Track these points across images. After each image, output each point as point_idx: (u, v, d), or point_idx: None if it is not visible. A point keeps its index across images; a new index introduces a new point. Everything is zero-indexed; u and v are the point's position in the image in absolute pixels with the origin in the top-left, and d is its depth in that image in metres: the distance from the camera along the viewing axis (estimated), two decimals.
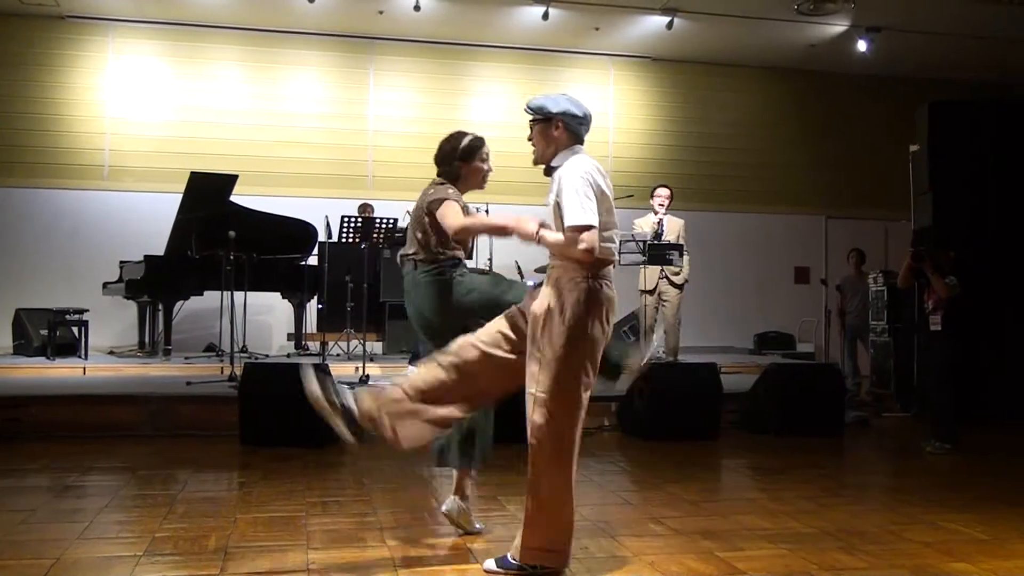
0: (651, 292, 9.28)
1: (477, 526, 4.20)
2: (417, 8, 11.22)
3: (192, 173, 9.49)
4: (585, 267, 3.46)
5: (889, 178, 12.10)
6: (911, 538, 4.26)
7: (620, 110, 13.49)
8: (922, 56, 12.88)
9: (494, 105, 13.03)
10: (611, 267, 3.60)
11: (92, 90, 11.96)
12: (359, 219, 9.05)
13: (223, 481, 5.64)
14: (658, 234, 9.27)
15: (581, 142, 3.71)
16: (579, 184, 3.47)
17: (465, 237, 4.31)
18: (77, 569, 3.61)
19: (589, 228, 3.38)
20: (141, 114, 12.00)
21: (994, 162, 8.96)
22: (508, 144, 12.91)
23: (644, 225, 9.40)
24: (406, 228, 9.15)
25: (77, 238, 11.54)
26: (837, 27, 12.13)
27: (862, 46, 12.28)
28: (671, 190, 9.55)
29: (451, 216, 4.02)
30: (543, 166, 3.75)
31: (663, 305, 9.31)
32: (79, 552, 3.81)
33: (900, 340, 9.61)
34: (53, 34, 11.83)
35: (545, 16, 11.55)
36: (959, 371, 7.20)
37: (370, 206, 10.80)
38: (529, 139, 3.76)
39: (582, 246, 3.37)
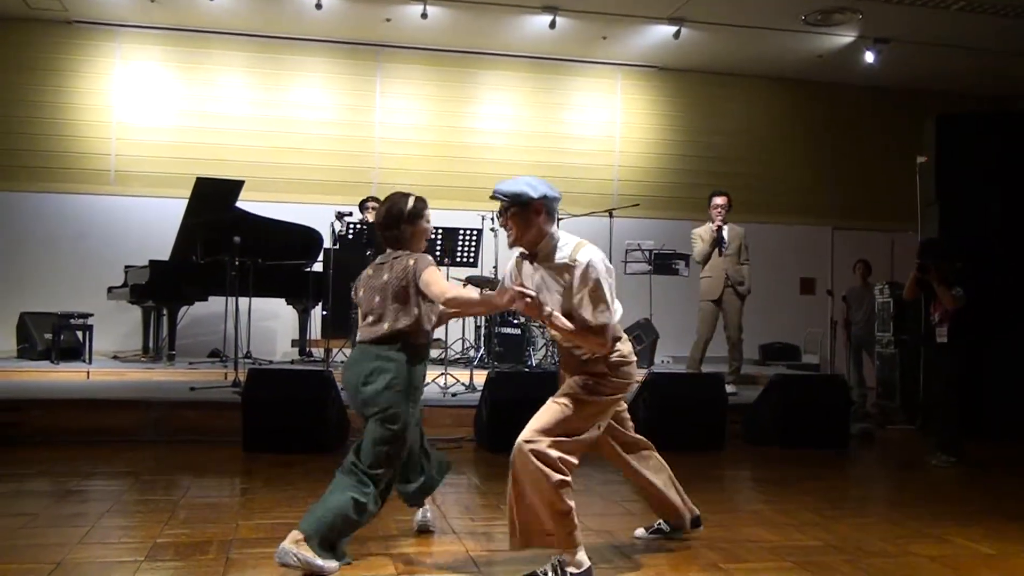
0: (716, 302, 8.92)
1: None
2: (424, 16, 11.23)
3: (198, 179, 9.50)
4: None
5: (896, 189, 12.07)
6: (916, 552, 4.23)
7: (627, 119, 13.49)
8: (929, 68, 12.88)
9: (500, 114, 13.06)
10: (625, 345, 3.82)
11: (99, 95, 11.98)
12: (365, 223, 9.05)
13: (225, 487, 5.63)
14: (717, 242, 8.90)
15: (555, 221, 3.85)
16: (605, 280, 3.66)
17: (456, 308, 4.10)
18: (78, 574, 3.60)
19: (607, 327, 3.63)
20: (148, 119, 12.02)
21: (1000, 174, 8.93)
22: (514, 153, 13.03)
23: (704, 234, 9.03)
24: None
25: (82, 243, 11.56)
26: (845, 38, 12.12)
27: (869, 57, 12.26)
28: (727, 196, 9.09)
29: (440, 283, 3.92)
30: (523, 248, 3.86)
31: (724, 315, 8.95)
32: (80, 557, 3.80)
33: (906, 352, 9.58)
34: (60, 39, 11.86)
35: (552, 25, 11.55)
36: (965, 383, 7.17)
37: (374, 198, 10.74)
38: (503, 225, 3.82)
39: (603, 348, 3.69)
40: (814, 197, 13.82)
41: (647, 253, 9.74)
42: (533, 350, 10.31)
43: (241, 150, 11.95)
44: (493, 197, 3.82)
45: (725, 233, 8.94)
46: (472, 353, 10.23)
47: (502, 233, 10.25)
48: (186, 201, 9.48)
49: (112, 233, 11.55)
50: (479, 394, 7.27)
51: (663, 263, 9.59)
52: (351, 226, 9.06)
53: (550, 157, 12.98)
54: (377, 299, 3.94)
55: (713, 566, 3.91)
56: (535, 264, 3.81)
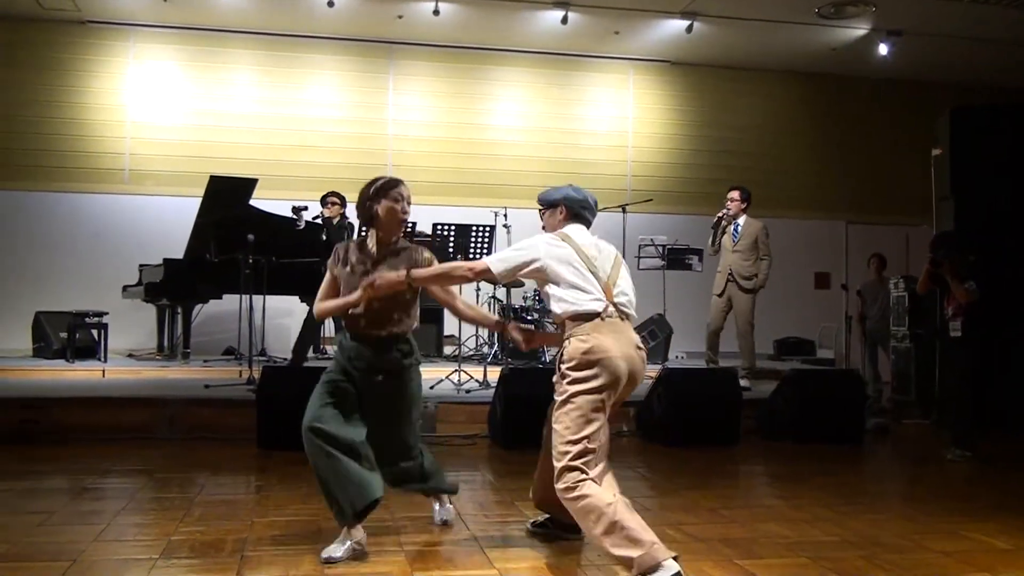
0: (721, 295, 9.08)
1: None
2: (436, 13, 11.24)
3: (212, 177, 9.51)
4: (564, 327, 3.82)
5: (910, 183, 12.03)
6: (931, 547, 4.21)
7: (639, 114, 13.47)
8: (943, 60, 12.81)
9: (513, 110, 13.05)
10: (589, 322, 3.76)
11: (112, 95, 12.03)
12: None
13: (240, 484, 5.65)
14: (717, 233, 9.09)
15: (582, 221, 4.14)
16: (521, 247, 3.93)
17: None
18: (94, 571, 3.62)
19: (487, 269, 3.87)
20: (161, 118, 12.07)
21: (1016, 167, 8.87)
22: (527, 149, 13.04)
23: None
24: (424, 232, 9.13)
25: (97, 242, 11.62)
26: (858, 31, 12.07)
27: (883, 50, 12.21)
28: (741, 191, 9.21)
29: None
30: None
31: (731, 307, 9.07)
32: (96, 554, 3.82)
33: (921, 346, 9.53)
34: (73, 39, 11.91)
35: (564, 20, 11.54)
36: (979, 377, 7.12)
37: (336, 193, 10.74)
38: (544, 228, 4.18)
39: (460, 271, 3.99)
40: (828, 191, 13.77)
41: (660, 248, 9.73)
42: (547, 346, 10.31)
43: (254, 148, 11.98)
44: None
45: (740, 227, 9.02)
46: (486, 350, 10.24)
47: (515, 229, 10.30)
48: (200, 199, 9.50)
49: (126, 232, 11.60)
50: (493, 391, 7.27)
51: (676, 258, 9.58)
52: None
53: (562, 153, 12.97)
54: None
55: (727, 561, 3.90)
56: None
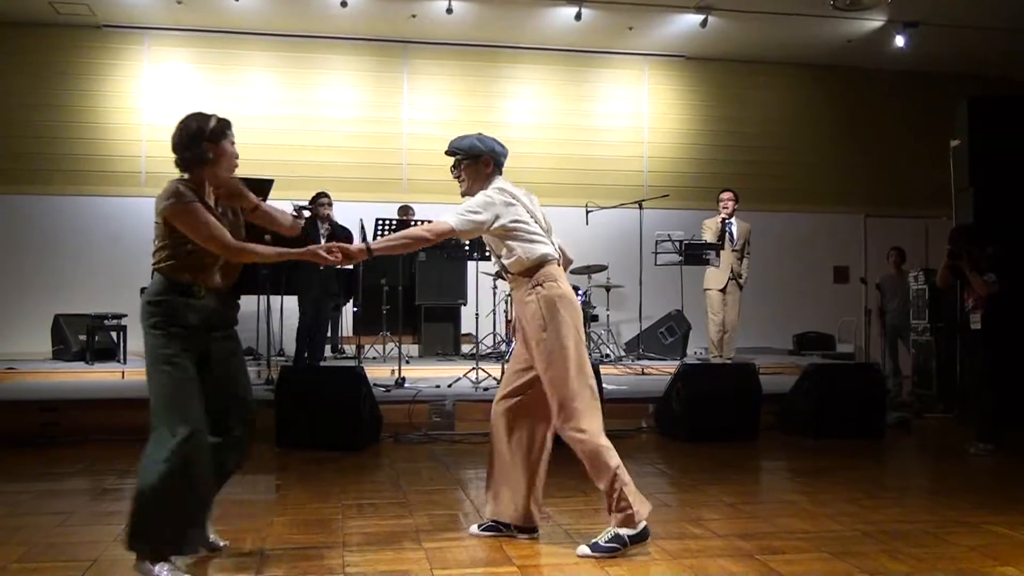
0: (723, 291, 9.58)
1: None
2: (449, 11, 11.25)
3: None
4: (527, 279, 3.94)
5: (929, 175, 11.94)
6: (955, 541, 4.17)
7: (655, 110, 13.44)
8: (960, 50, 12.70)
9: (528, 107, 13.04)
10: (550, 268, 3.98)
11: (128, 98, 12.09)
12: (394, 221, 9.06)
13: (259, 484, 5.64)
14: (722, 235, 9.62)
15: (501, 172, 4.19)
16: (471, 202, 3.96)
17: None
18: (114, 571, 3.63)
19: (451, 230, 3.87)
20: (176, 120, 12.04)
21: None
22: (542, 147, 13.01)
23: (711, 226, 9.73)
24: None
25: (115, 244, 11.67)
26: (874, 22, 11.99)
27: (900, 41, 12.13)
28: (734, 193, 9.81)
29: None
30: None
31: (726, 305, 9.60)
32: (116, 554, 3.81)
33: (942, 340, 9.45)
34: (89, 43, 11.98)
35: (578, 17, 11.52)
36: (1001, 370, 7.05)
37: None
38: (456, 176, 4.17)
39: (419, 233, 3.98)
40: (845, 184, 13.69)
41: (678, 244, 9.68)
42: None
43: (270, 149, 11.97)
44: (448, 152, 4.16)
45: (734, 229, 9.63)
46: (503, 348, 10.23)
47: None
48: None
49: (144, 234, 11.46)
50: None
51: (694, 253, 9.54)
52: (388, 223, 9.06)
53: (578, 150, 12.94)
54: None
55: (748, 556, 3.87)
56: None
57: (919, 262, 11.29)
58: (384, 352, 10.14)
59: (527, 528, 4.10)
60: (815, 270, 13.41)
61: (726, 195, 9.79)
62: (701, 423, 7.06)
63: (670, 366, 9.30)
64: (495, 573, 3.66)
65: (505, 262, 4.00)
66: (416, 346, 10.67)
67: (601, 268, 10.90)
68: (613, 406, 7.23)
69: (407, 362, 9.04)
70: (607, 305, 11.10)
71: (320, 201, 9.38)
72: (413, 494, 5.09)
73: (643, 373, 9.79)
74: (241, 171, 4.02)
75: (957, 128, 9.25)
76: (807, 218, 13.44)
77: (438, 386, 8.01)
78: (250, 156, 12.57)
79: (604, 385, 7.06)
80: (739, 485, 5.57)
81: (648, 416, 7.55)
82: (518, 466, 4.06)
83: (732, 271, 9.54)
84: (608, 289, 11.01)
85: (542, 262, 3.93)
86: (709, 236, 9.66)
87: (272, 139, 12.10)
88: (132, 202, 11.84)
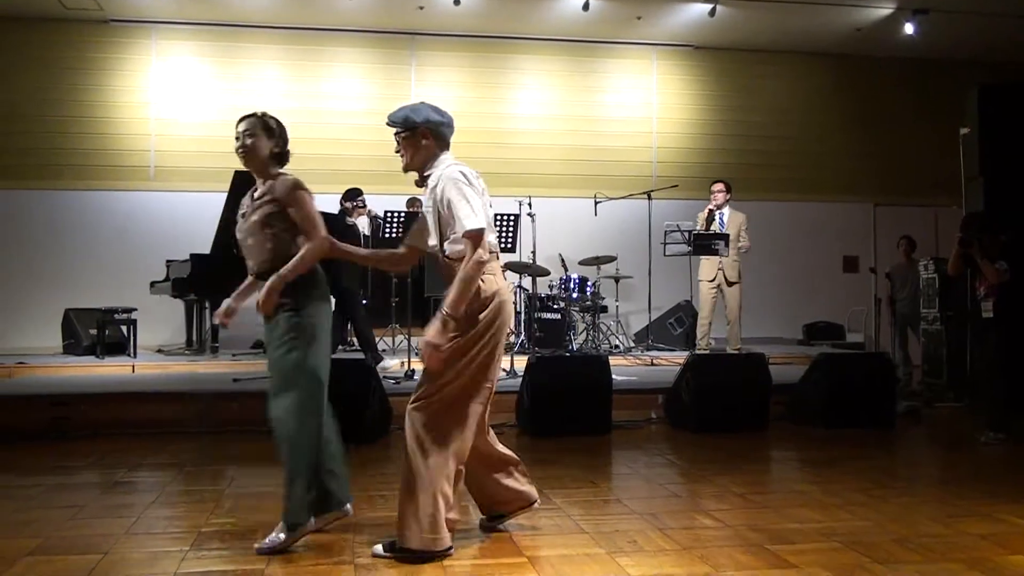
0: (713, 282, 9.74)
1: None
2: (457, 2, 11.23)
3: (236, 172, 9.51)
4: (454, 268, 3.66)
5: (939, 163, 11.89)
6: (966, 530, 4.16)
7: (664, 100, 13.39)
8: (970, 37, 12.63)
9: (536, 98, 13.01)
10: (493, 262, 3.75)
11: (136, 92, 12.10)
12: (403, 213, 9.06)
13: (269, 476, 5.62)
14: (709, 224, 9.72)
15: (448, 146, 3.93)
16: (462, 189, 3.68)
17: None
18: (125, 564, 3.64)
19: (483, 231, 3.60)
20: (185, 114, 12.13)
21: None
22: (550, 137, 12.98)
23: (699, 218, 9.93)
24: None
25: (124, 238, 11.70)
26: (883, 10, 11.93)
27: (909, 29, 12.07)
28: (725, 183, 9.93)
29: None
30: (415, 174, 3.94)
31: (723, 296, 9.74)
32: (127, 547, 3.84)
33: (952, 328, 9.42)
34: (97, 38, 11.99)
35: (586, 7, 11.49)
36: (1013, 358, 7.03)
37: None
38: (396, 151, 3.90)
39: (475, 268, 3.59)
40: (855, 173, 13.63)
41: (687, 235, 9.67)
42: (574, 334, 10.30)
43: None
44: (388, 125, 3.91)
45: (725, 218, 9.78)
46: (512, 339, 10.23)
47: (540, 219, 10.22)
48: (225, 194, 9.53)
49: (153, 228, 11.68)
50: (520, 379, 7.25)
51: (703, 244, 9.53)
52: (396, 215, 9.08)
53: (587, 140, 12.91)
54: None
55: (759, 547, 3.87)
56: (427, 190, 3.87)
57: (929, 251, 11.24)
58: (394, 344, 10.15)
59: (523, 507, 4.09)
60: (825, 259, 13.37)
61: (716, 186, 9.91)
62: (711, 414, 7.06)
63: (679, 357, 9.29)
64: (505, 564, 3.66)
65: (448, 247, 3.74)
66: None
67: (610, 259, 10.87)
68: (622, 397, 7.25)
69: (416, 354, 9.03)
70: (616, 296, 11.08)
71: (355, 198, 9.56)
72: None
73: (652, 364, 9.79)
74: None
75: (967, 116, 9.21)
76: (816, 207, 13.39)
77: None
78: None
79: (613, 376, 7.07)
80: (749, 475, 5.56)
81: (658, 407, 7.54)
82: (481, 462, 3.99)
83: (720, 263, 9.65)
84: (617, 280, 10.99)
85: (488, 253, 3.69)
86: (698, 228, 9.82)
87: None
88: (141, 196, 11.89)
